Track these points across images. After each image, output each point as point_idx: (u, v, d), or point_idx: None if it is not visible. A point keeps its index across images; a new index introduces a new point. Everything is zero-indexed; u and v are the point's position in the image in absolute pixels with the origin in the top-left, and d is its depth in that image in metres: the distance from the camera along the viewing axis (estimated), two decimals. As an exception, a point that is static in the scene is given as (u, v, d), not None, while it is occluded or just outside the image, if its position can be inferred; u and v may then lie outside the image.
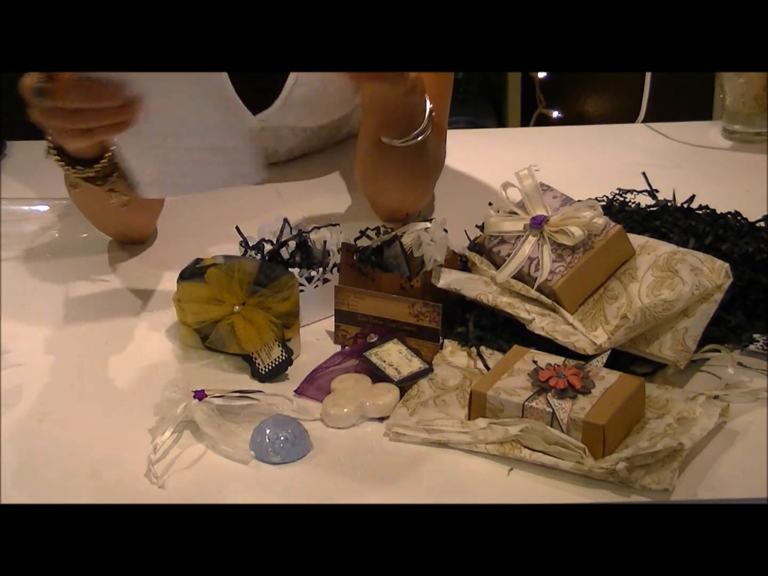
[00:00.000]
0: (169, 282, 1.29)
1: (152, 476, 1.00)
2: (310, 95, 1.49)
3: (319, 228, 1.26)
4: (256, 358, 1.12)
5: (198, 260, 1.17)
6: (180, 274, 1.16)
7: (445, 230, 1.20)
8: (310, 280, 1.20)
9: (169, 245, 1.42)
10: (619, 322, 1.08)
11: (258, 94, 1.48)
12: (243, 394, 1.07)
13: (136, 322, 1.24)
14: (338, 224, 1.27)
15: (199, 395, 1.05)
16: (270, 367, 1.12)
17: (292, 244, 1.24)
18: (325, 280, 1.21)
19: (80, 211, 1.39)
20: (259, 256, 1.22)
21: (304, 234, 1.25)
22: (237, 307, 1.12)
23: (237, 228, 1.29)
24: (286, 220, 1.27)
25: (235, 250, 1.26)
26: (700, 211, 1.33)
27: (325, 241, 1.24)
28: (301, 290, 1.18)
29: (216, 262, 1.15)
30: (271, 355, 1.12)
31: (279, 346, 1.12)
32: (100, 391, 1.14)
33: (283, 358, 1.12)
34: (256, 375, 1.13)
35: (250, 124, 1.51)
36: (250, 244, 1.25)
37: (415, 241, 1.19)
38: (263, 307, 1.12)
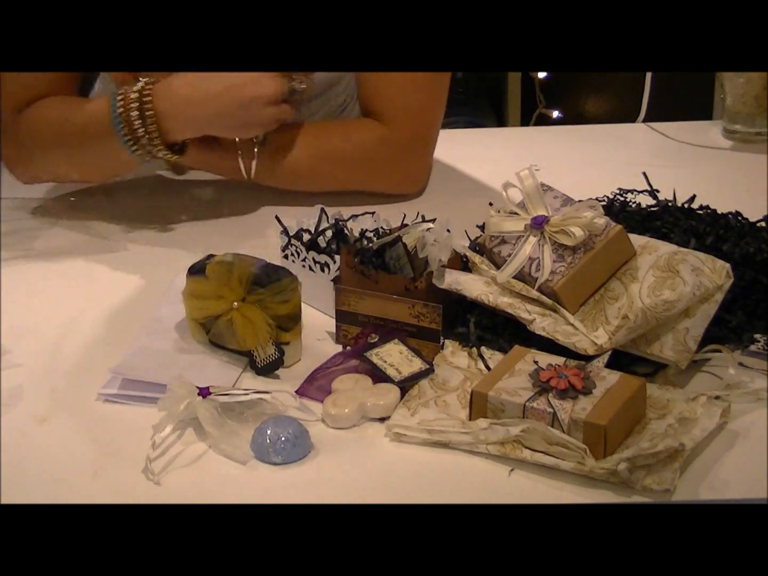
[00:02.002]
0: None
1: (149, 473, 1.00)
2: None
3: (356, 216, 1.28)
4: (254, 351, 1.13)
5: (210, 256, 1.17)
6: (189, 269, 1.17)
7: (448, 230, 1.20)
8: (323, 268, 1.21)
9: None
10: (620, 323, 1.08)
11: None
12: (246, 392, 1.07)
13: (141, 320, 1.23)
14: (374, 212, 1.27)
15: (203, 392, 1.05)
16: (264, 363, 1.13)
17: (330, 232, 1.25)
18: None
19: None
20: (301, 244, 1.24)
21: (341, 223, 1.25)
22: (236, 303, 1.13)
23: (277, 217, 1.30)
24: (323, 209, 1.28)
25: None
26: (700, 211, 1.33)
27: (362, 230, 1.24)
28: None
29: (225, 259, 1.15)
30: (266, 351, 1.12)
31: (273, 344, 1.12)
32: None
33: (276, 357, 1.13)
34: (253, 367, 1.14)
35: None
36: (290, 234, 1.26)
37: (419, 241, 1.19)
38: (262, 307, 1.12)
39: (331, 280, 1.20)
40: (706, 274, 1.11)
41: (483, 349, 1.14)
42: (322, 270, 1.22)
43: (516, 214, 1.17)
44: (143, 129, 1.34)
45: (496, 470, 1.00)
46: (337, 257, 1.20)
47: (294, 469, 1.01)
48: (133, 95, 1.34)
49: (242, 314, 1.12)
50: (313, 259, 1.22)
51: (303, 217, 1.29)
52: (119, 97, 1.35)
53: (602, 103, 2.75)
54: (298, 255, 1.24)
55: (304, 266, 1.23)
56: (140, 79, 1.35)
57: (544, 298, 1.13)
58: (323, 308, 1.23)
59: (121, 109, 1.34)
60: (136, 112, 1.34)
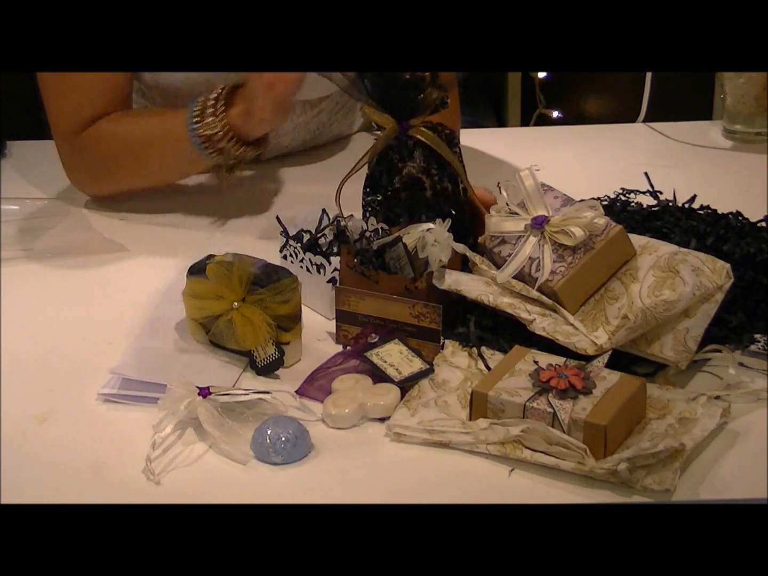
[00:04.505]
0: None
1: (149, 473, 1.00)
2: None
3: (353, 217, 1.28)
4: (254, 351, 1.13)
5: (210, 256, 1.18)
6: (189, 269, 1.17)
7: (449, 231, 1.20)
8: (319, 269, 1.21)
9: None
10: (620, 323, 1.08)
11: None
12: (246, 392, 1.07)
13: (142, 320, 1.23)
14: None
15: (204, 392, 1.05)
16: (264, 363, 1.13)
17: (330, 233, 1.26)
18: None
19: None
20: (299, 245, 1.24)
21: (342, 223, 1.26)
22: (236, 303, 1.13)
23: (277, 218, 1.30)
24: (324, 210, 1.28)
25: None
26: (701, 212, 1.33)
27: (363, 230, 1.25)
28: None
29: (225, 259, 1.15)
30: (267, 351, 1.13)
31: (273, 344, 1.12)
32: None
33: (276, 357, 1.13)
34: (253, 367, 1.14)
35: None
36: (290, 234, 1.26)
37: (419, 241, 1.19)
38: (262, 307, 1.13)
39: (327, 282, 1.20)
40: (707, 275, 1.11)
41: (483, 349, 1.14)
42: (318, 271, 1.22)
43: (516, 214, 1.17)
44: (221, 132, 1.39)
45: (497, 470, 1.00)
46: (333, 259, 1.21)
47: (294, 469, 1.01)
48: (210, 101, 1.39)
49: (242, 314, 1.12)
50: (310, 260, 1.22)
51: (303, 218, 1.29)
52: (197, 106, 1.39)
53: (602, 103, 2.75)
54: (296, 256, 1.24)
55: (301, 267, 1.23)
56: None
57: (545, 298, 1.13)
58: (319, 309, 1.23)
59: (198, 118, 1.39)
60: (212, 118, 1.39)
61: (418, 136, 1.26)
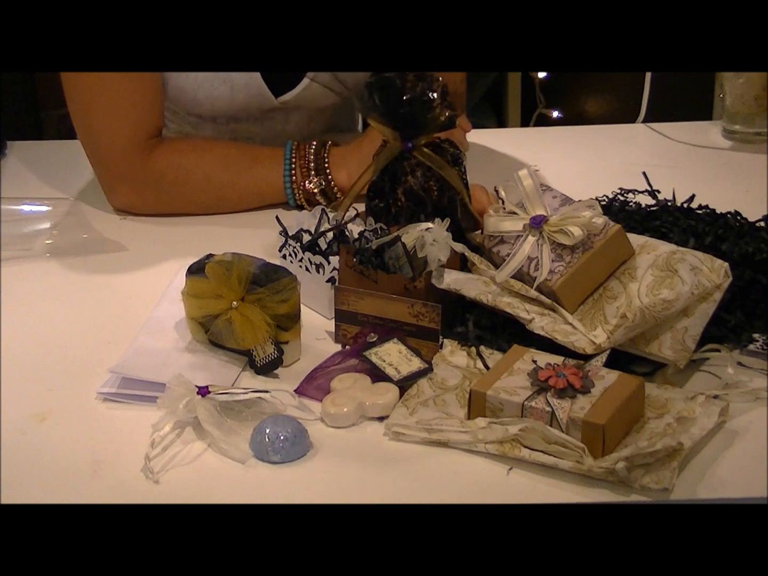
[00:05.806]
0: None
1: (148, 471, 1.00)
2: (332, 79, 1.52)
3: (356, 218, 1.29)
4: (253, 350, 1.13)
5: (209, 256, 1.18)
6: (188, 269, 1.17)
7: (447, 230, 1.20)
8: (318, 269, 1.21)
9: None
10: (618, 322, 1.08)
11: (281, 77, 1.51)
12: (245, 391, 1.07)
13: (141, 320, 1.23)
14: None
15: (203, 391, 1.05)
16: (264, 362, 1.13)
17: (330, 233, 1.26)
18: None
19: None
20: (298, 245, 1.24)
21: (342, 224, 1.26)
22: (235, 303, 1.13)
23: (277, 218, 1.30)
24: (323, 210, 1.28)
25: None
26: (699, 211, 1.33)
27: (362, 230, 1.25)
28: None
29: (225, 258, 1.15)
30: (266, 351, 1.13)
31: (272, 343, 1.13)
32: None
33: (275, 356, 1.13)
34: (253, 366, 1.14)
35: (270, 104, 1.53)
36: (290, 234, 1.27)
37: (418, 241, 1.19)
38: (261, 306, 1.13)
39: (326, 281, 1.21)
40: (705, 274, 1.11)
41: (482, 348, 1.14)
42: (318, 271, 1.22)
43: (515, 213, 1.18)
44: (318, 192, 1.46)
45: (495, 469, 1.01)
46: (332, 258, 1.21)
47: (293, 468, 1.01)
48: (307, 159, 1.45)
49: (241, 313, 1.12)
50: (309, 259, 1.22)
51: (303, 218, 1.29)
52: (290, 164, 1.46)
53: (602, 103, 2.75)
54: (295, 255, 1.24)
55: (301, 267, 1.23)
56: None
57: (543, 298, 1.13)
58: (319, 309, 1.23)
59: (292, 172, 1.46)
60: (315, 180, 1.45)
61: (420, 157, 1.26)
